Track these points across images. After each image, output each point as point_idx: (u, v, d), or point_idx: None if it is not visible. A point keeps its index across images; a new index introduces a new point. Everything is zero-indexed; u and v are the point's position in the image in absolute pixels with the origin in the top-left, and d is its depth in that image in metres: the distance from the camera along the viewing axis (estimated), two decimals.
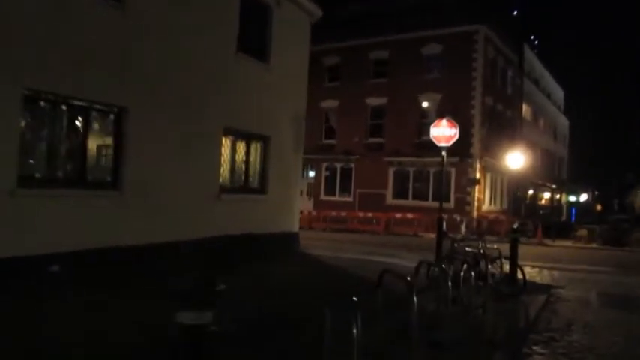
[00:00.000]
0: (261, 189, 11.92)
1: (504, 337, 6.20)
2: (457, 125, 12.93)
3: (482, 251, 8.40)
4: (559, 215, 49.27)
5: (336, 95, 30.82)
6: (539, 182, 41.69)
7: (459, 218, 24.01)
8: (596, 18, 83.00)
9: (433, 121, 26.50)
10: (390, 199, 28.99)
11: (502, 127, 30.14)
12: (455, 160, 26.77)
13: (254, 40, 11.36)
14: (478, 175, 26.62)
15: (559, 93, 54.34)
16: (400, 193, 28.78)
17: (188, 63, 9.53)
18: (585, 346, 6.10)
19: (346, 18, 30.84)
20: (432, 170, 27.89)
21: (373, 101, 29.69)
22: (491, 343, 5.76)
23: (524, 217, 32.73)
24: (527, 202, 39.11)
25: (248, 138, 11.47)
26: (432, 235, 24.39)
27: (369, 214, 26.78)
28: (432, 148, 27.69)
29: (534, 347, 5.97)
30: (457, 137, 12.83)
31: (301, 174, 13.67)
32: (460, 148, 26.57)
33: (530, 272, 12.83)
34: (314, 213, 28.90)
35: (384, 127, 29.43)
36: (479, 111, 26.84)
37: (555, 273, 12.92)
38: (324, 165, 31.44)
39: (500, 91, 30.48)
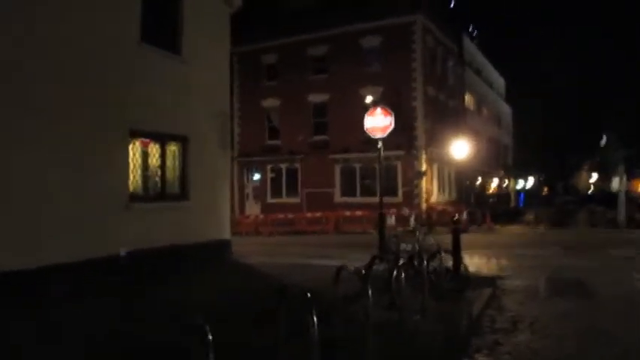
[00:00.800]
0: (183, 195, 10.78)
1: (443, 347, 5.36)
2: (392, 113, 12.16)
3: (417, 246, 7.61)
4: (508, 201, 50.03)
5: (278, 94, 29.82)
6: (486, 170, 42.04)
7: (407, 211, 23.46)
8: (533, 4, 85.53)
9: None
10: (337, 197, 28.23)
11: (446, 117, 29.93)
12: (400, 153, 26.31)
13: (162, 30, 10.22)
14: (424, 167, 26.21)
15: (500, 81, 55.25)
16: (348, 190, 28.06)
17: (80, 52, 8.30)
18: (533, 349, 5.35)
19: (284, 14, 29.91)
20: (378, 165, 27.24)
21: (315, 98, 28.84)
22: None
23: (473, 205, 32.74)
24: (476, 190, 39.29)
25: (162, 139, 10.31)
26: None
27: (317, 214, 25.91)
28: (378, 143, 27.33)
29: (477, 355, 5.18)
30: (393, 126, 12.09)
31: (230, 176, 12.58)
32: (405, 141, 26.16)
33: (478, 262, 12.25)
34: (261, 217, 27.79)
35: (328, 124, 28.63)
36: (421, 102, 26.43)
37: (503, 260, 12.38)
38: (269, 166, 30.37)
39: (442, 81, 30.27)
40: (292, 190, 29.77)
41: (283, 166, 29.93)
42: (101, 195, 8.55)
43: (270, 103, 30.13)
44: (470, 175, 35.95)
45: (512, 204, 48.66)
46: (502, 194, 49.56)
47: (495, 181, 49.09)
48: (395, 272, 6.35)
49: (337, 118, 28.04)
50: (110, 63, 8.94)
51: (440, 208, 25.15)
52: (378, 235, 8.74)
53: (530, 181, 61.28)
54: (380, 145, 12.10)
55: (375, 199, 27.11)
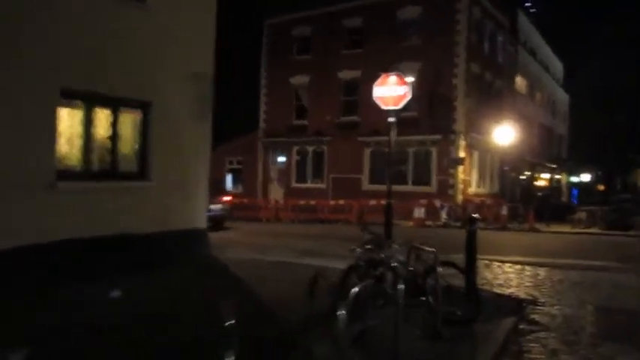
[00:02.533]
0: (141, 174, 8.86)
1: None
2: (408, 82, 9.79)
3: (398, 260, 5.40)
4: (559, 197, 46.16)
5: (307, 70, 27.62)
6: (536, 161, 38.48)
7: (438, 203, 20.93)
8: None
9: (413, 95, 23.64)
10: (366, 184, 25.91)
11: (491, 99, 26.90)
12: (436, 137, 23.70)
13: None
14: (463, 154, 23.48)
15: (558, 66, 50.87)
16: (377, 177, 25.64)
17: None
18: None
19: None
20: (411, 150, 24.76)
21: (346, 75, 26.46)
22: None
23: (518, 199, 29.66)
24: (523, 183, 35.96)
25: (114, 104, 8.38)
26: (410, 224, 21.46)
27: (341, 202, 23.75)
28: (413, 124, 24.74)
29: None
30: (409, 97, 9.73)
31: (209, 151, 10.58)
32: (442, 124, 23.52)
33: (508, 273, 9.81)
34: (281, 202, 25.90)
35: (358, 103, 26.23)
36: (463, 80, 23.60)
37: (541, 272, 9.89)
38: (295, 148, 28.33)
39: (489, 58, 27.19)
40: (318, 174, 27.68)
41: (310, 148, 27.83)
42: (12, 172, 6.71)
43: (298, 79, 27.99)
44: (516, 165, 32.73)
45: (565, 200, 44.74)
46: (553, 189, 45.77)
47: (546, 175, 45.35)
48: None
49: (369, 98, 25.44)
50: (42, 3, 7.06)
51: (478, 200, 22.44)
52: (365, 234, 6.49)
53: (586, 176, 56.62)
54: (392, 119, 9.77)
55: (406, 188, 24.78)
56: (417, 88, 24.52)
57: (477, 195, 24.67)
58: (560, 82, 51.97)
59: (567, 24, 58.02)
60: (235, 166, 31.47)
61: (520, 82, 35.29)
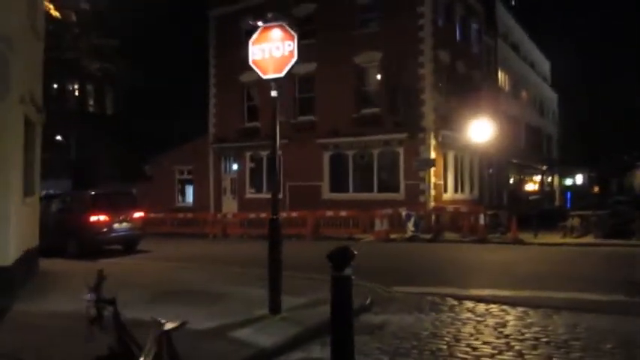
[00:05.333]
0: None
1: None
2: (294, 36, 6.41)
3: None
4: (551, 201, 42.97)
5: None
6: (525, 163, 35.29)
7: (404, 213, 17.55)
8: None
9: (374, 89, 20.28)
10: (326, 193, 22.55)
11: (467, 92, 23.66)
12: (402, 136, 20.43)
13: None
14: (433, 155, 20.17)
15: (544, 64, 47.93)
16: (339, 184, 22.33)
17: None
18: None
19: None
20: (375, 152, 21.46)
21: (300, 69, 23.12)
22: None
23: (506, 205, 26.39)
24: (511, 187, 32.72)
25: None
26: (371, 238, 18.10)
27: (294, 214, 20.35)
28: (375, 122, 21.42)
29: None
30: (295, 58, 6.34)
31: (19, 150, 7.22)
32: (409, 121, 20.25)
33: (469, 319, 6.41)
34: (229, 216, 22.53)
35: (314, 100, 22.96)
36: (430, 69, 20.36)
37: (511, 319, 6.49)
38: (248, 154, 24.98)
39: (462, 47, 24.00)
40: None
41: (264, 153, 24.44)
42: None
43: (248, 77, 24.54)
44: (502, 168, 29.50)
45: (558, 204, 41.50)
46: (545, 192, 42.57)
47: (537, 177, 42.18)
48: None
49: (326, 94, 22.33)
50: None
51: (451, 208, 19.07)
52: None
53: (579, 178, 53.53)
54: (274, 94, 6.42)
55: (372, 196, 21.41)
56: (379, 81, 21.39)
57: (453, 202, 21.33)
58: (548, 80, 49.03)
59: (552, 19, 55.19)
60: (186, 176, 28.08)
61: (503, 78, 32.22)
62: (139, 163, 30.18)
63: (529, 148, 37.12)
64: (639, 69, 49.19)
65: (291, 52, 6.28)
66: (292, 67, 21.62)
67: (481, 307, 7.17)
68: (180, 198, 28.21)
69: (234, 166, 25.66)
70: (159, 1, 28.26)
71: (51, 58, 22.14)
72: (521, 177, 36.28)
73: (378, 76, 21.34)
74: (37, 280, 9.19)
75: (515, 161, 32.78)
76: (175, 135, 28.53)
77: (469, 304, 7.41)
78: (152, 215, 23.58)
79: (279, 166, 21.70)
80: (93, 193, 14.48)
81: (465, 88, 23.49)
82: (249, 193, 24.89)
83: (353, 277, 4.39)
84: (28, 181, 8.48)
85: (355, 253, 4.28)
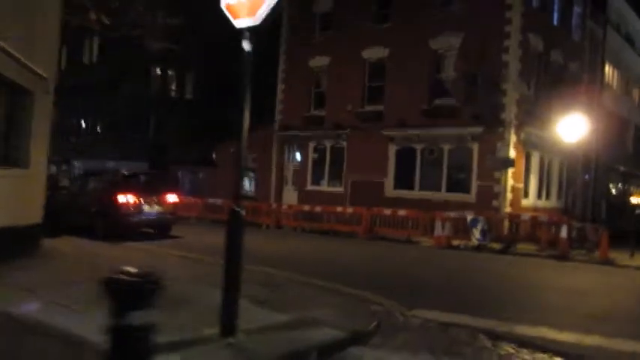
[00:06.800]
0: None
1: None
2: None
3: None
4: None
5: (328, 50, 22.83)
6: (632, 171, 30.81)
7: (469, 217, 15.23)
8: None
9: (451, 77, 18.05)
10: (390, 190, 20.59)
11: (561, 85, 20.54)
12: (478, 130, 18.02)
13: None
14: (513, 153, 17.54)
15: None
16: (404, 180, 20.28)
17: None
18: None
19: None
20: (447, 147, 19.17)
21: (371, 54, 21.37)
22: None
23: (600, 218, 22.90)
24: (612, 197, 28.63)
25: None
26: (429, 242, 15.99)
27: (349, 210, 18.69)
28: (449, 114, 19.10)
29: None
30: (275, 1, 4.68)
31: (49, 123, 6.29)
32: (487, 113, 17.79)
33: None
34: (284, 207, 21.31)
35: (384, 89, 21.03)
36: (516, 56, 17.69)
37: None
38: (312, 144, 23.59)
39: (559, 33, 20.85)
40: (336, 176, 22.72)
41: (328, 143, 22.96)
42: None
43: (318, 61, 23.26)
44: (600, 174, 25.75)
45: None
46: None
47: None
48: None
49: (396, 82, 20.33)
50: None
51: (527, 216, 16.36)
52: None
53: None
54: (248, 46, 4.81)
55: (439, 195, 19.17)
56: (456, 68, 19.05)
57: (535, 209, 18.50)
58: None
59: None
60: (250, 164, 27.26)
61: (610, 72, 28.17)
62: (208, 149, 30.00)
63: (637, 153, 32.47)
64: None
65: None
66: (363, 50, 19.76)
67: (523, 356, 5.15)
68: (244, 186, 27.46)
69: (298, 156, 24.41)
70: None
71: (114, 37, 22.08)
72: (626, 187, 31.75)
73: (455, 63, 18.96)
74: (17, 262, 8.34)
75: (619, 168, 28.66)
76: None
77: (507, 347, 5.39)
78: (210, 201, 23.06)
79: (342, 158, 19.98)
80: (124, 173, 13.77)
81: (559, 80, 20.41)
82: (310, 185, 23.50)
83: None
84: (10, 153, 7.70)
85: (158, 285, 2.55)
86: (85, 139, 36.59)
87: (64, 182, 16.68)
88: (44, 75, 8.70)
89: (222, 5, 5.00)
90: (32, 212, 8.69)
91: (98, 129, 37.42)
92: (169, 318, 5.54)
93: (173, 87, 36.40)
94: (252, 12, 4.82)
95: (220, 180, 27.93)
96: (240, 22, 4.88)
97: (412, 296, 7.69)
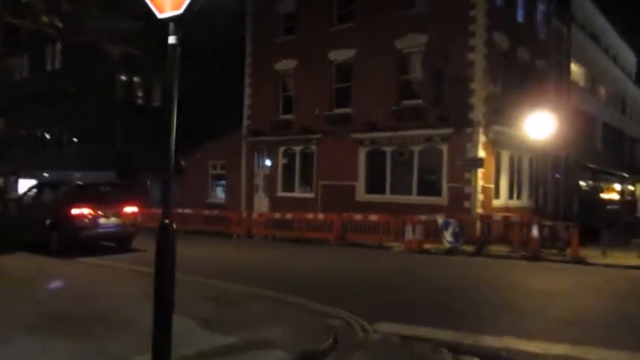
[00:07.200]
0: None
1: None
2: None
3: None
4: (634, 213, 37.99)
5: (294, 53, 22.41)
6: (601, 168, 31.08)
7: (440, 220, 14.93)
8: None
9: (417, 78, 17.78)
10: (362, 194, 20.21)
11: (528, 83, 20.49)
12: (447, 131, 17.80)
13: None
14: (482, 153, 17.35)
15: (630, 59, 42.72)
16: (375, 184, 19.93)
17: None
18: None
19: None
20: (416, 149, 18.90)
21: (338, 56, 21.01)
22: None
23: (576, 214, 22.91)
24: (583, 195, 28.77)
25: None
26: (400, 247, 15.63)
27: (320, 216, 18.26)
28: (417, 116, 18.75)
29: None
30: None
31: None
32: (455, 114, 17.57)
33: None
34: (254, 215, 20.75)
35: (351, 91, 20.69)
36: (482, 53, 17.53)
37: None
38: (281, 149, 23.09)
39: (524, 30, 20.81)
40: (306, 181, 22.28)
41: (297, 148, 22.49)
42: None
43: (285, 64, 22.81)
44: (570, 171, 25.84)
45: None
46: (625, 203, 37.69)
47: (617, 186, 37.41)
48: None
49: (364, 83, 20.02)
50: None
51: (499, 217, 16.16)
52: None
53: None
54: (173, 39, 4.33)
55: (410, 199, 18.83)
56: (422, 69, 18.82)
57: (507, 209, 18.34)
58: (633, 77, 43.70)
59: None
60: (219, 171, 26.67)
61: (577, 70, 28.39)
62: (176, 156, 29.21)
63: (607, 151, 32.82)
64: None
65: None
66: (330, 52, 19.25)
67: None
68: (212, 194, 26.83)
69: (267, 162, 23.89)
70: None
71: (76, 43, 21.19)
72: (596, 184, 32.03)
73: (421, 63, 18.72)
74: None
75: (589, 165, 28.86)
76: (214, 128, 27.26)
77: None
78: (179, 211, 22.35)
79: (312, 162, 19.48)
80: (78, 183, 13.08)
81: (526, 78, 20.35)
82: (281, 192, 22.99)
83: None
84: None
85: None
86: (50, 150, 35.47)
87: (13, 194, 15.82)
88: None
89: None
90: None
91: (64, 139, 36.31)
92: (105, 344, 5.01)
93: (139, 94, 35.52)
94: (177, 5, 4.34)
95: (190, 187, 27.24)
96: (165, 15, 4.40)
97: (375, 307, 7.28)
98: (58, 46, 35.20)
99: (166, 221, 4.38)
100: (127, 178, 28.64)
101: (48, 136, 37.78)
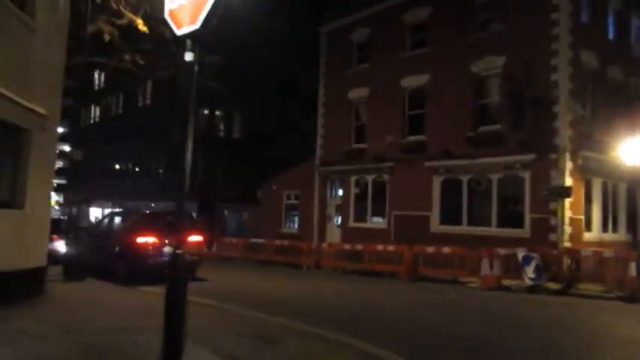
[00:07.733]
0: None
1: None
2: None
3: None
4: None
5: (366, 81, 22.15)
6: None
7: (521, 254, 13.62)
8: None
9: (495, 102, 16.88)
10: (436, 225, 19.17)
11: (622, 104, 18.61)
12: (529, 157, 16.51)
13: None
14: (569, 181, 15.82)
15: None
16: (450, 215, 18.83)
17: None
18: None
19: None
20: (495, 177, 17.67)
21: (411, 82, 20.42)
22: None
23: None
24: None
25: None
26: (476, 283, 14.41)
27: (390, 248, 17.43)
28: (496, 142, 17.64)
29: None
30: (211, 2, 3.92)
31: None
32: (538, 139, 16.28)
33: None
34: (324, 245, 20.31)
35: (425, 118, 19.93)
36: (567, 73, 16.17)
37: None
38: (353, 178, 22.63)
39: (615, 46, 19.09)
40: (379, 211, 21.56)
41: (369, 177, 21.94)
42: None
43: (357, 93, 22.58)
44: None
45: None
46: None
47: None
48: None
49: (438, 110, 19.23)
50: None
51: (589, 252, 14.46)
52: None
53: None
54: (190, 56, 4.06)
55: (489, 230, 17.55)
56: (501, 92, 17.74)
57: (600, 244, 16.50)
58: None
59: None
60: (293, 201, 26.64)
61: None
62: (253, 187, 29.73)
63: None
64: None
65: None
66: (402, 78, 18.57)
67: None
68: (287, 224, 26.81)
69: (340, 192, 23.51)
70: (268, 25, 27.93)
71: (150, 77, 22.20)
72: None
73: (499, 86, 17.65)
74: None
75: None
76: (289, 159, 27.51)
77: None
78: (252, 241, 22.52)
79: (385, 192, 18.80)
80: (145, 213, 13.35)
81: (619, 99, 18.53)
82: (353, 222, 22.43)
83: None
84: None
85: None
86: (132, 181, 37.52)
87: (85, 223, 16.54)
88: (42, 112, 8.36)
89: (166, 15, 4.30)
90: (30, 255, 8.19)
91: (144, 169, 38.38)
92: None
93: (221, 127, 36.85)
94: (194, 18, 4.09)
95: (265, 217, 27.48)
96: (183, 30, 4.15)
97: (433, 355, 6.46)
98: (150, 84, 37.54)
99: (177, 250, 4.02)
100: (206, 209, 29.50)
101: (124, 168, 40.23)
